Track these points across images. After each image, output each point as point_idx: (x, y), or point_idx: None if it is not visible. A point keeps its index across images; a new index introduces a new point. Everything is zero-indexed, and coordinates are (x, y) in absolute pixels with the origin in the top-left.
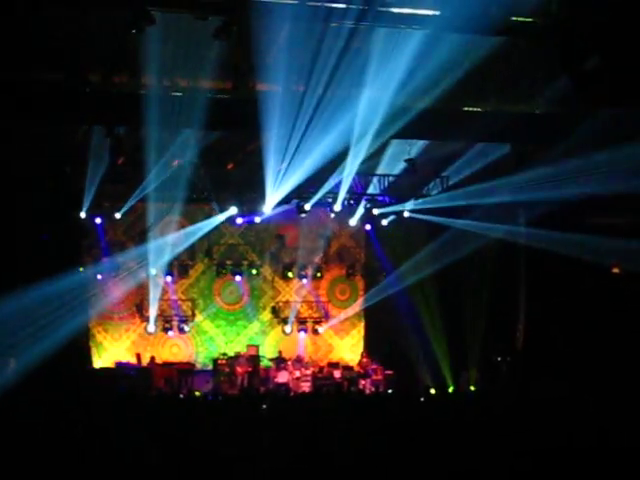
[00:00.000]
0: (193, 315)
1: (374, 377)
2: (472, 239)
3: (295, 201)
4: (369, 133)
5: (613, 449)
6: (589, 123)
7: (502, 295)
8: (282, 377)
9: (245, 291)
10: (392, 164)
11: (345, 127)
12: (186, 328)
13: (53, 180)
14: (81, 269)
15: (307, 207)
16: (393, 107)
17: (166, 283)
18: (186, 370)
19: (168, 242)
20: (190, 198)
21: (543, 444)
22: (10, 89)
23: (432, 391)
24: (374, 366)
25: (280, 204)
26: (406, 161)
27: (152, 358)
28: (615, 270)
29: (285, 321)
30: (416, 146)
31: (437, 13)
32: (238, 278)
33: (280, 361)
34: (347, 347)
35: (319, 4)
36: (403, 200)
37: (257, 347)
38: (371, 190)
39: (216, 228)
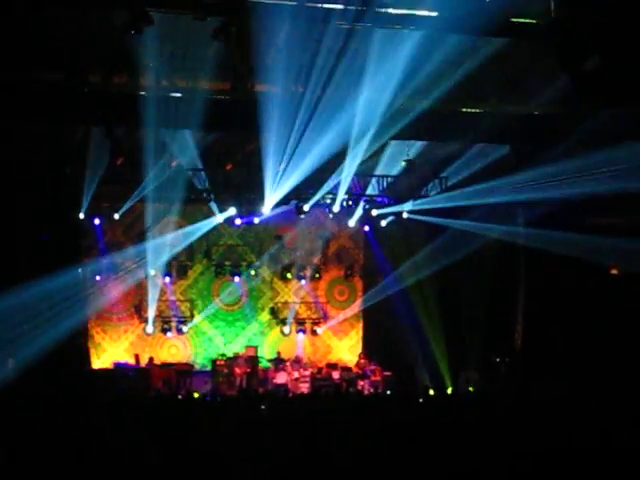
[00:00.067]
0: (192, 316)
1: (373, 378)
2: (471, 240)
3: (294, 202)
4: (368, 134)
5: (613, 449)
6: (588, 123)
7: (501, 296)
8: (281, 378)
9: (244, 292)
10: (391, 165)
11: (344, 128)
12: (185, 329)
13: (52, 180)
14: (80, 270)
15: (306, 208)
16: (392, 108)
17: (165, 284)
18: (185, 371)
19: (166, 242)
20: (189, 199)
21: (543, 445)
22: (10, 89)
23: (431, 392)
24: (373, 367)
25: (279, 205)
26: (405, 162)
27: (151, 359)
28: (614, 271)
29: (284, 322)
30: (415, 147)
31: (435, 14)
32: (237, 279)
33: (279, 362)
34: (346, 348)
35: (318, 5)
36: (402, 201)
37: (256, 348)
38: (370, 191)
39: (215, 229)
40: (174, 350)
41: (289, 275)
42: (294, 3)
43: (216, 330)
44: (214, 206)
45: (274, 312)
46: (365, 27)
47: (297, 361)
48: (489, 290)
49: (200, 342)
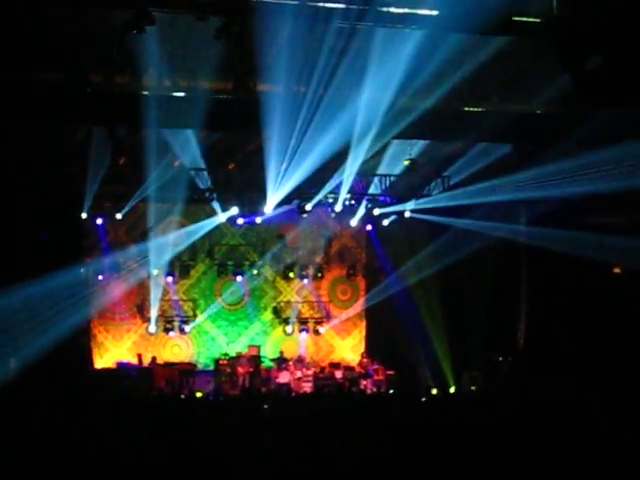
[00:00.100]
0: (194, 315)
1: (375, 377)
2: (473, 239)
3: (296, 201)
4: (370, 133)
5: (615, 448)
6: (590, 122)
7: (503, 295)
8: (283, 377)
9: (246, 291)
10: (393, 164)
11: (346, 127)
12: (187, 328)
13: (54, 180)
14: (82, 270)
15: (308, 207)
16: (394, 107)
17: (167, 283)
18: (187, 370)
19: (169, 241)
20: (191, 198)
21: (545, 444)
22: (10, 89)
23: (434, 391)
24: (375, 366)
25: (281, 204)
26: (407, 161)
27: (153, 358)
28: (616, 270)
29: (286, 321)
30: (417, 146)
31: (437, 13)
32: (239, 278)
33: (281, 361)
34: (348, 347)
35: (319, 4)
36: (404, 200)
37: (258, 347)
38: (372, 190)
39: (217, 228)
40: (177, 350)
41: (291, 274)
42: (296, 2)
43: (219, 329)
44: (216, 206)
45: (277, 311)
46: (366, 26)
47: (300, 360)
48: (491, 289)
49: (203, 341)
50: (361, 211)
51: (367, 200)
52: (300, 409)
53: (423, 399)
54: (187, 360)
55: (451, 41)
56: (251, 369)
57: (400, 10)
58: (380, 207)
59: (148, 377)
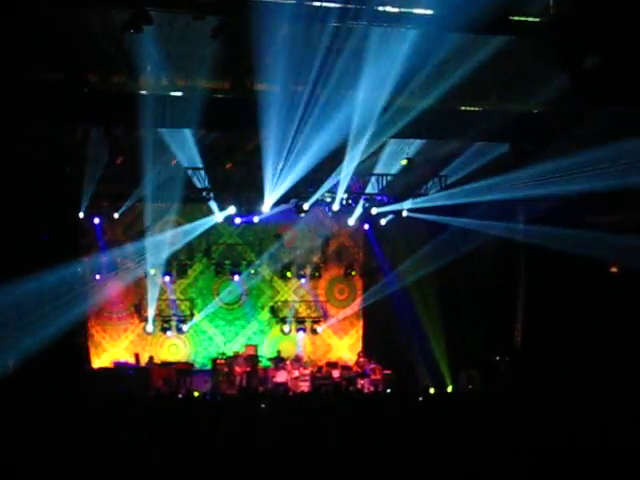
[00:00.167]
0: (192, 315)
1: (373, 376)
2: (471, 238)
3: (294, 201)
4: (367, 133)
5: (613, 446)
6: (588, 121)
7: (501, 294)
8: (281, 377)
9: (244, 291)
10: (390, 163)
11: (343, 127)
12: (185, 328)
13: (52, 180)
14: (79, 269)
15: (306, 207)
16: (391, 107)
17: (164, 283)
18: (185, 370)
19: (165, 240)
20: (188, 198)
21: (543, 442)
22: (9, 89)
23: (431, 390)
24: (372, 365)
25: (279, 204)
26: (404, 160)
27: (151, 358)
28: (613, 269)
29: (284, 321)
30: (414, 145)
31: (433, 12)
32: (237, 278)
33: (279, 361)
34: (346, 347)
35: (317, 4)
36: (401, 199)
37: (256, 347)
38: (369, 189)
39: (214, 227)
40: (174, 349)
41: (289, 274)
42: (293, 2)
43: (216, 329)
44: (214, 205)
45: (274, 311)
46: (363, 26)
47: (297, 360)
48: (489, 288)
49: (200, 341)
50: (358, 210)
51: (364, 199)
52: (297, 408)
53: (420, 398)
54: (184, 359)
55: (448, 40)
56: (248, 368)
57: (396, 9)
58: (377, 206)
59: (145, 377)
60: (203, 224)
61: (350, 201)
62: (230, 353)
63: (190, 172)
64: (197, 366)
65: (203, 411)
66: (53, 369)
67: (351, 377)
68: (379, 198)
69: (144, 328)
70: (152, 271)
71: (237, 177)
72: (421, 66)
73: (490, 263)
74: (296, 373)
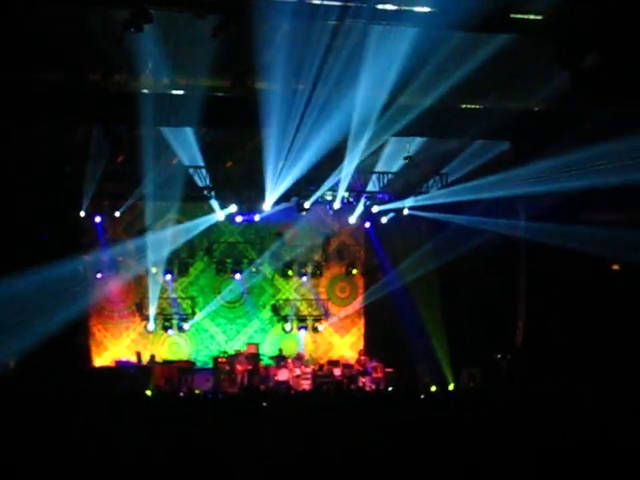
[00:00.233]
0: (193, 313)
1: (374, 375)
2: (472, 235)
3: (295, 199)
4: (368, 131)
5: (614, 442)
6: (588, 118)
7: (502, 291)
8: (282, 375)
9: (245, 289)
10: (391, 161)
11: (344, 125)
12: (186, 326)
13: (53, 179)
14: (80, 268)
15: (307, 205)
16: (392, 105)
17: (166, 281)
18: (186, 368)
19: (166, 237)
20: (189, 196)
21: (544, 439)
22: (9, 89)
23: (432, 388)
24: (374, 364)
25: (280, 202)
26: (405, 158)
27: (152, 356)
28: (615, 267)
29: (285, 319)
30: (415, 143)
31: (434, 10)
32: (238, 276)
33: (280, 359)
34: (347, 345)
35: (317, 2)
36: (402, 197)
37: (257, 345)
38: (370, 187)
39: (216, 226)
40: (175, 347)
41: (290, 272)
42: (293, 0)
43: (217, 327)
44: (215, 203)
45: (275, 309)
46: (363, 24)
47: (298, 358)
48: (490, 286)
49: (201, 339)
50: (359, 209)
51: (365, 197)
52: (299, 407)
53: (422, 396)
54: (186, 358)
55: (449, 38)
56: (250, 367)
57: (396, 7)
58: (378, 204)
59: (147, 375)
60: (204, 222)
61: (351, 199)
62: (231, 351)
63: (191, 170)
64: (198, 365)
65: (204, 410)
66: (55, 368)
67: (352, 375)
68: (380, 196)
69: (145, 327)
70: (153, 269)
71: (238, 175)
72: (422, 64)
73: (491, 261)
74: (297, 371)
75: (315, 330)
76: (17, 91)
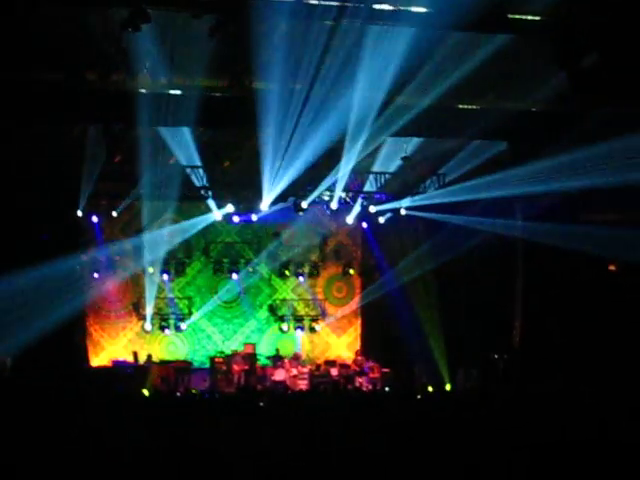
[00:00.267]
0: (190, 313)
1: (371, 375)
2: (469, 235)
3: (292, 199)
4: (365, 131)
5: (612, 442)
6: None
7: (499, 291)
8: (279, 375)
9: (242, 289)
10: (388, 162)
11: (341, 125)
12: (183, 326)
13: (51, 179)
14: (78, 267)
15: (304, 205)
16: (389, 105)
17: (163, 281)
18: (183, 368)
19: (163, 236)
20: (187, 196)
21: (542, 438)
22: (9, 89)
23: (429, 388)
24: (371, 364)
25: (277, 202)
26: (402, 159)
27: (149, 356)
28: (612, 267)
29: (282, 319)
30: (412, 143)
31: (431, 10)
32: (235, 276)
33: (277, 359)
34: (344, 345)
35: (314, 2)
36: (400, 197)
37: (254, 345)
38: (367, 188)
39: (213, 226)
40: (172, 347)
41: (287, 272)
42: (290, 0)
43: (214, 327)
44: (212, 203)
45: (272, 309)
46: (360, 24)
47: (295, 358)
48: (487, 286)
49: (198, 339)
50: (357, 209)
51: (363, 198)
52: (296, 407)
53: (419, 397)
54: (182, 358)
55: (446, 38)
56: (246, 367)
57: (393, 7)
58: (376, 205)
59: (144, 375)
60: (201, 221)
61: (348, 199)
62: (228, 351)
63: (188, 170)
64: (195, 364)
65: (201, 409)
66: (51, 367)
67: (349, 375)
68: (377, 196)
69: (142, 326)
70: (150, 269)
71: (235, 175)
72: (419, 64)
73: (488, 261)
74: (294, 371)
75: (312, 330)
76: (15, 90)
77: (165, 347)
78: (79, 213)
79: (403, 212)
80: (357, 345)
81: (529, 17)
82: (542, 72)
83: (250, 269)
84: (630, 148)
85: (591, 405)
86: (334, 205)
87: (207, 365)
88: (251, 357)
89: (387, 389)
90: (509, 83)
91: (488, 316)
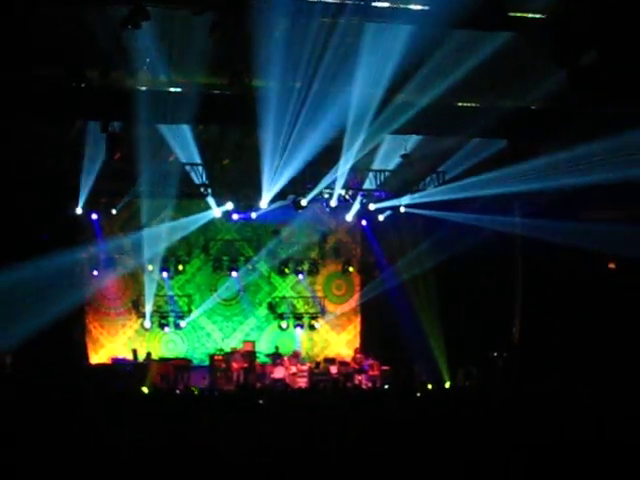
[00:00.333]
0: (189, 311)
1: (370, 372)
2: (468, 233)
3: (291, 197)
4: (365, 128)
5: (611, 441)
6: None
7: (499, 289)
8: (278, 373)
9: (241, 287)
10: (388, 159)
11: (341, 122)
12: (182, 324)
13: (50, 177)
14: (77, 267)
15: (304, 203)
16: (389, 103)
17: (162, 279)
18: (182, 366)
19: (162, 234)
20: (186, 194)
21: (540, 438)
22: (9, 88)
23: (429, 386)
24: (370, 361)
25: (276, 200)
26: (402, 156)
27: (148, 354)
28: (611, 265)
29: (281, 317)
30: (412, 141)
31: (431, 8)
32: (234, 274)
33: (276, 357)
34: (343, 343)
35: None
36: (399, 195)
37: (253, 343)
38: (367, 185)
39: (212, 223)
40: (172, 345)
41: (287, 270)
42: None
43: (214, 325)
44: (212, 201)
45: (272, 307)
46: (359, 22)
47: (295, 356)
48: (487, 284)
49: (198, 337)
50: (356, 206)
51: (362, 195)
52: (295, 404)
53: (418, 394)
54: (182, 356)
55: (446, 36)
56: (246, 364)
57: (392, 5)
58: (375, 202)
59: (143, 373)
60: (201, 218)
61: (348, 197)
62: (228, 349)
63: (188, 168)
64: (195, 362)
65: (200, 407)
66: (51, 365)
67: (349, 373)
68: (377, 194)
69: (142, 324)
70: (150, 267)
71: (235, 173)
72: (418, 62)
73: (487, 259)
74: (294, 369)
75: (311, 328)
76: (14, 89)
77: (164, 345)
78: (79, 211)
79: (402, 210)
80: (356, 343)
81: (528, 15)
82: (541, 70)
83: (250, 267)
84: (629, 145)
85: (589, 404)
86: (334, 203)
87: (206, 363)
88: (250, 355)
89: (386, 387)
90: (508, 81)
91: (487, 314)
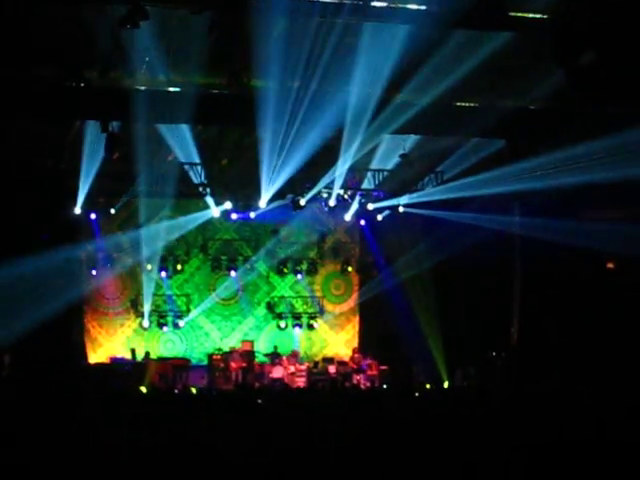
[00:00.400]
0: (188, 310)
1: (369, 372)
2: (467, 233)
3: (290, 196)
4: (363, 128)
5: (610, 441)
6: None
7: (498, 289)
8: (277, 372)
9: (240, 286)
10: (386, 159)
11: (340, 122)
12: (181, 323)
13: (48, 177)
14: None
15: (302, 203)
16: (388, 103)
17: (161, 278)
18: (181, 366)
19: (161, 233)
20: (185, 193)
21: (539, 438)
22: (8, 88)
23: (427, 386)
24: (369, 361)
25: (275, 199)
26: (400, 156)
27: (147, 353)
28: (610, 265)
29: (280, 316)
30: (410, 141)
31: (430, 8)
32: (233, 273)
33: (275, 356)
34: (342, 342)
35: None
36: (398, 195)
37: (252, 342)
38: (366, 185)
39: (211, 223)
40: (170, 345)
41: (285, 269)
42: None
43: (212, 324)
44: (210, 201)
45: (270, 306)
46: (358, 21)
47: (293, 355)
48: (486, 283)
49: (196, 336)
50: (355, 206)
51: (361, 195)
52: (293, 404)
53: (416, 394)
54: (181, 355)
55: (445, 36)
56: (244, 364)
57: (391, 5)
58: (374, 202)
59: (141, 372)
60: (199, 217)
61: (346, 197)
62: (226, 349)
63: (187, 167)
64: (193, 362)
65: (199, 407)
66: (49, 364)
67: (347, 373)
68: (375, 194)
69: (140, 323)
70: (148, 266)
71: (233, 173)
72: (417, 62)
73: (486, 259)
74: (292, 369)
75: (310, 327)
76: (13, 89)
77: (163, 344)
78: (77, 211)
79: (401, 209)
80: (355, 342)
81: (528, 15)
82: (540, 70)
83: (248, 266)
84: (628, 144)
85: (589, 404)
86: (332, 202)
87: (205, 362)
88: (249, 354)
89: (385, 386)
90: (507, 81)
91: (486, 314)
